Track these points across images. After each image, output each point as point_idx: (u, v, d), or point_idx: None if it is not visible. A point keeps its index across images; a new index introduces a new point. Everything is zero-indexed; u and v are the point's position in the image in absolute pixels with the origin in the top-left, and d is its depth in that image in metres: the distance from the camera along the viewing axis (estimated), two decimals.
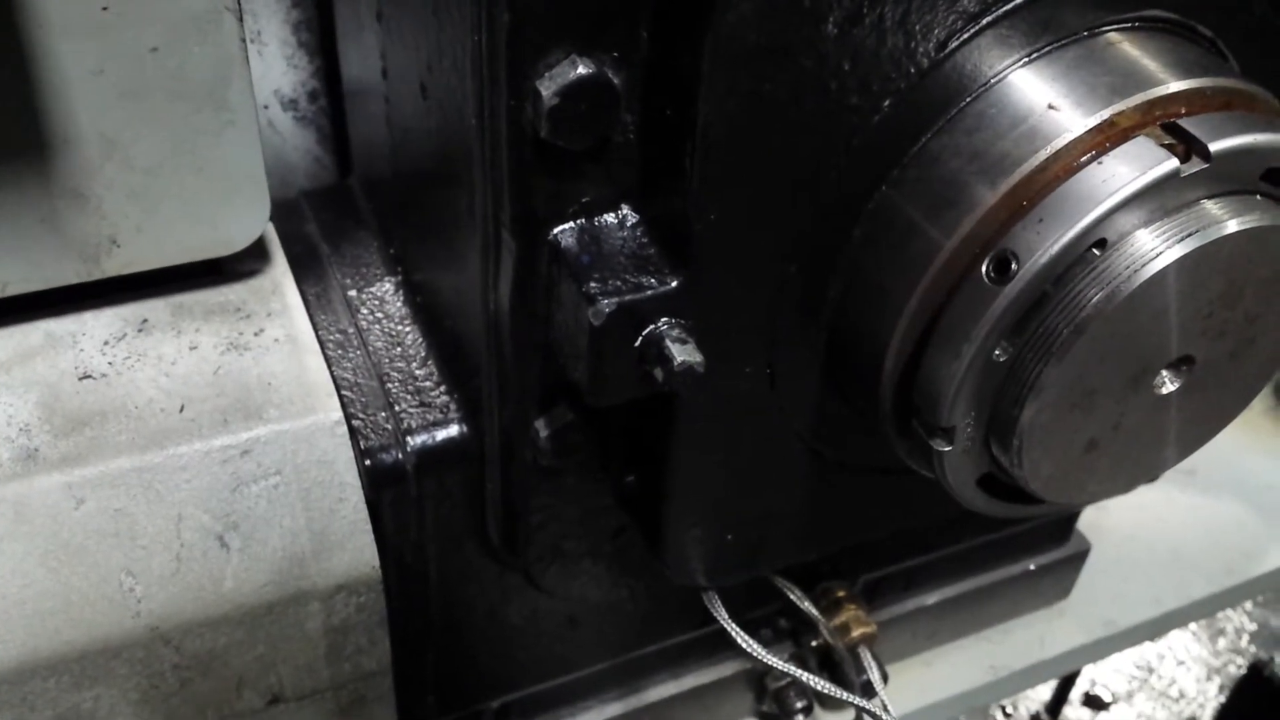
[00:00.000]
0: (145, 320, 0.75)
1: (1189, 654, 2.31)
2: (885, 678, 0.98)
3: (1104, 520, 1.18)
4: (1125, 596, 1.17)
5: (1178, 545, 1.21)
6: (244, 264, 0.78)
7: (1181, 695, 2.25)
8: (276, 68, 0.92)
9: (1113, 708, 2.23)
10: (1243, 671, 2.05)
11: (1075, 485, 0.66)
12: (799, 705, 1.01)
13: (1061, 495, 0.66)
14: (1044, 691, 2.15)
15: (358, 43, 0.82)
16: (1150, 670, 2.28)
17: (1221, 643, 2.33)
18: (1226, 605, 1.24)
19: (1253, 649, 2.30)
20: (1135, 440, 0.66)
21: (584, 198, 0.61)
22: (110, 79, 0.66)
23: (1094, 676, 2.25)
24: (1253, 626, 2.35)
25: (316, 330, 0.76)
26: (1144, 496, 1.20)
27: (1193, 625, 2.29)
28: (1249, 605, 2.34)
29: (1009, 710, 2.19)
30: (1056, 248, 0.57)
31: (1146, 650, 2.29)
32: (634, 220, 0.63)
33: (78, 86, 0.65)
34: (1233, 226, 0.58)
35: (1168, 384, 0.63)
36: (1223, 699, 2.20)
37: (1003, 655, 1.11)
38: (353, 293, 0.84)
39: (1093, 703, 2.23)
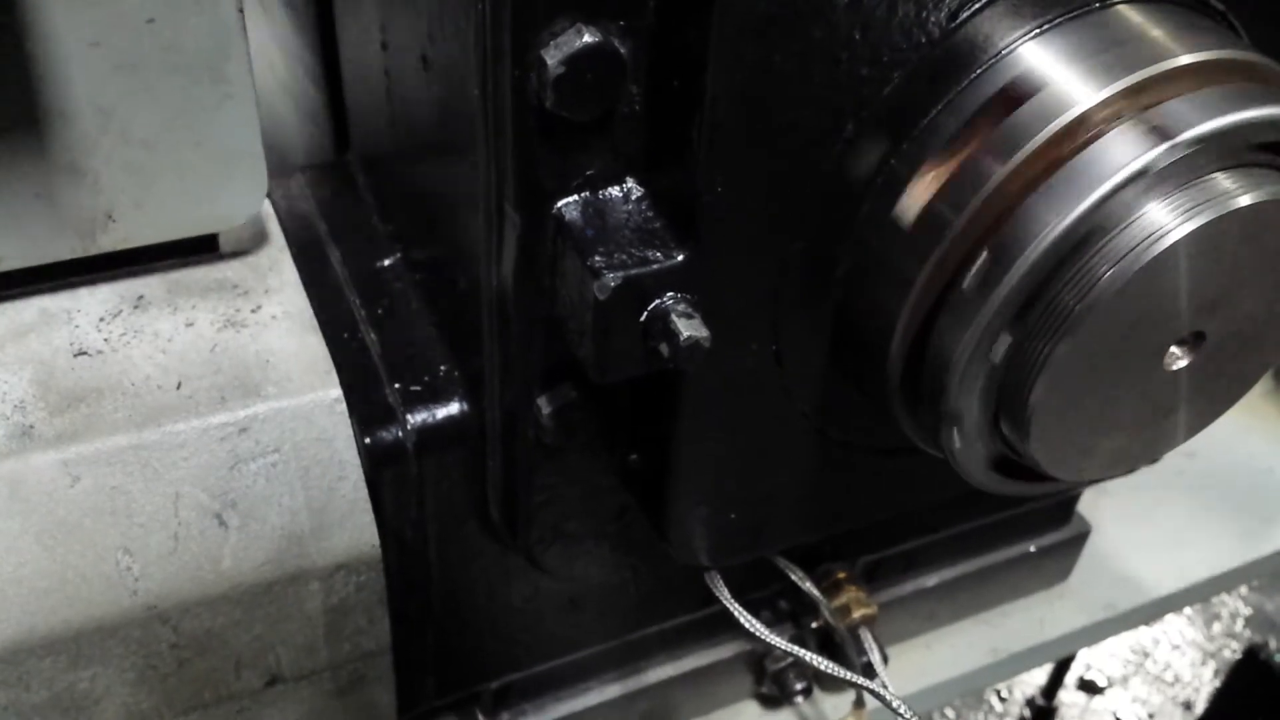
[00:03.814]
0: (141, 297, 0.74)
1: (1184, 638, 2.32)
2: (885, 659, 0.97)
3: (1104, 502, 1.18)
4: (1125, 579, 1.16)
5: (1177, 528, 1.21)
6: (241, 240, 0.77)
7: (1177, 679, 2.26)
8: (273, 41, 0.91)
9: (1108, 692, 2.23)
10: (1238, 656, 2.05)
11: (1082, 464, 0.66)
12: (799, 687, 1.01)
13: (1069, 473, 0.66)
14: (1039, 676, 2.15)
15: (356, 15, 0.81)
16: (1145, 654, 2.29)
17: (1216, 627, 2.34)
18: (1225, 588, 1.24)
19: (1248, 633, 2.31)
20: (1144, 418, 0.65)
21: (589, 170, 0.61)
22: (106, 51, 0.65)
23: (1089, 661, 2.25)
24: (1248, 611, 2.35)
25: (314, 307, 0.75)
26: (1144, 479, 1.19)
27: (1188, 610, 2.30)
28: (1244, 589, 2.35)
29: (1004, 695, 2.19)
30: (1065, 224, 0.56)
31: (1142, 634, 2.30)
32: (639, 194, 0.62)
33: (74, 58, 0.64)
34: (1245, 200, 0.57)
35: (1178, 361, 0.62)
36: (1218, 683, 2.21)
37: (1003, 637, 1.11)
38: (351, 269, 0.83)
39: (1088, 687, 2.23)
